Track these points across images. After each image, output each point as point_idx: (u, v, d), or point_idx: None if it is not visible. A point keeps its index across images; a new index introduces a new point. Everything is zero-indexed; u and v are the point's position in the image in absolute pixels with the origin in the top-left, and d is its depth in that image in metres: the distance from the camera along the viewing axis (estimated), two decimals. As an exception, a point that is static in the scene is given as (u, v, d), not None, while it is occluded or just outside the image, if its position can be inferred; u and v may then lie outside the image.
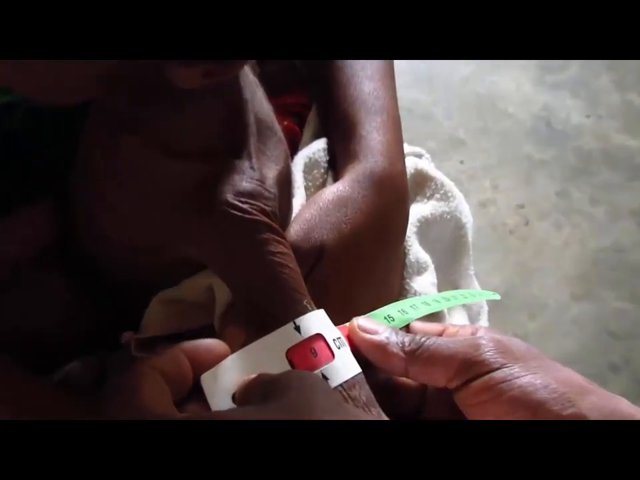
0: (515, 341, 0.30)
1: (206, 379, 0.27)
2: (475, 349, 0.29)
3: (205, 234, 0.29)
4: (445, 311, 0.42)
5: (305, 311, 0.29)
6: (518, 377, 0.27)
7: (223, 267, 0.29)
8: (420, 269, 0.42)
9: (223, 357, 0.27)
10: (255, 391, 0.24)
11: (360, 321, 0.32)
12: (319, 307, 0.30)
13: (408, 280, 0.41)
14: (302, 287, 0.29)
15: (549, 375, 0.27)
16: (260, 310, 0.28)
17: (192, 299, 0.36)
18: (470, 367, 0.28)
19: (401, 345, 0.30)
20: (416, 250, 0.42)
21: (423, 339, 0.30)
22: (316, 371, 0.27)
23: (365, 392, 0.28)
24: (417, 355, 0.30)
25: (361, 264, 0.37)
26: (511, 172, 1.30)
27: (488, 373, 0.28)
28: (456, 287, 0.47)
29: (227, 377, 0.26)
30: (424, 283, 0.42)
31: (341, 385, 0.27)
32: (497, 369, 0.28)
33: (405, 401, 0.32)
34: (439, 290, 0.43)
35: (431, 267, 0.43)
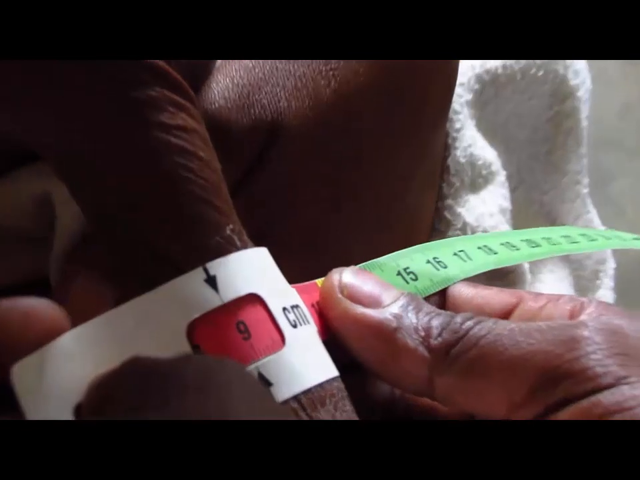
0: None
1: (22, 372, 0.27)
2: (568, 348, 0.29)
3: (33, 87, 0.29)
4: (526, 267, 0.42)
5: (227, 249, 0.29)
6: None
7: (67, 158, 0.30)
8: (477, 180, 0.43)
9: (56, 333, 0.27)
10: (119, 394, 0.25)
11: (346, 277, 0.33)
12: (258, 244, 0.31)
13: (450, 201, 0.42)
14: (223, 200, 0.30)
15: None
16: (137, 244, 0.29)
17: (8, 223, 0.37)
18: (557, 382, 0.29)
19: (423, 333, 0.31)
20: (469, 141, 0.42)
21: (469, 323, 0.31)
22: (249, 367, 0.28)
23: (343, 415, 0.29)
24: (453, 356, 0.30)
25: (355, 164, 0.38)
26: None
27: (591, 394, 0.28)
28: (552, 221, 0.48)
29: (65, 369, 0.27)
30: (484, 207, 0.42)
31: (295, 397, 0.28)
32: (609, 386, 0.28)
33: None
34: (515, 225, 0.44)
35: (501, 177, 0.43)
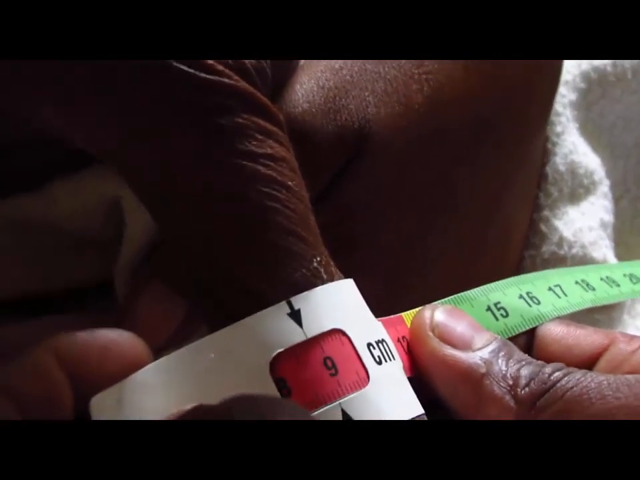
0: None
1: (100, 405, 0.28)
2: None
3: (109, 99, 0.29)
4: (628, 304, 0.42)
5: (312, 282, 0.29)
6: None
7: (142, 174, 0.30)
8: (577, 190, 0.42)
9: (136, 366, 0.28)
10: None
11: (438, 316, 0.33)
12: (346, 274, 0.31)
13: (547, 212, 0.41)
14: (310, 231, 0.30)
15: None
16: (218, 272, 0.29)
17: (73, 226, 0.37)
18: None
19: (511, 382, 0.31)
20: (570, 147, 0.41)
21: (557, 374, 0.31)
22: (331, 404, 0.28)
23: None
24: (539, 408, 0.30)
25: (450, 175, 0.38)
26: None
27: None
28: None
29: (143, 403, 0.28)
30: (583, 220, 0.41)
31: None
32: None
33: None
34: (617, 240, 0.43)
35: (604, 187, 0.42)
